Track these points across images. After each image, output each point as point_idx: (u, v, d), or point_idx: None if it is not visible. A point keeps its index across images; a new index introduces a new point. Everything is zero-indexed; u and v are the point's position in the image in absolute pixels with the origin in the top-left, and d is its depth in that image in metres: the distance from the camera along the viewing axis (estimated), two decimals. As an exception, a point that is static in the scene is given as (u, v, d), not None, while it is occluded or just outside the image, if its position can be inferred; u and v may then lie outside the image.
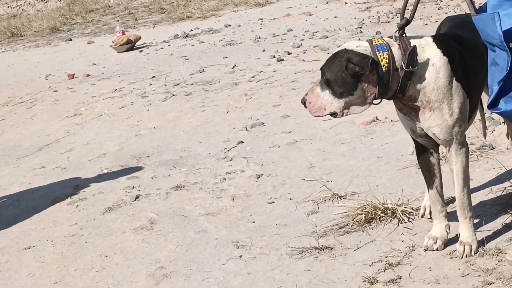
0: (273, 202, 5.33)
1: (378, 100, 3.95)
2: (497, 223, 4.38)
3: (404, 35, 3.91)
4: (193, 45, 11.82)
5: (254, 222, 5.07)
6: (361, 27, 10.75)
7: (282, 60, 9.47)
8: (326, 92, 3.89)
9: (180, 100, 8.40)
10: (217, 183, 5.84)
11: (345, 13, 12.17)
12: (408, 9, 4.01)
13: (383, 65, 3.77)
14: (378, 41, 3.86)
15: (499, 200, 4.66)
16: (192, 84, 9.02)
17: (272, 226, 4.95)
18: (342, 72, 3.80)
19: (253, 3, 14.74)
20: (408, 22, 3.92)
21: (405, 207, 4.71)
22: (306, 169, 5.83)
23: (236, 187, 5.69)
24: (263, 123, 7.11)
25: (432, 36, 4.00)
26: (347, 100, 3.85)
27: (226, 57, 10.33)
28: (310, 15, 12.55)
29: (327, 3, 13.42)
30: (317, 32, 10.97)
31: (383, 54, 3.78)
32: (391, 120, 6.51)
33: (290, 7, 13.66)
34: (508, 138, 4.80)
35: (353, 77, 3.78)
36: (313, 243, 4.54)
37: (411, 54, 3.77)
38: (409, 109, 3.96)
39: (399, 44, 3.84)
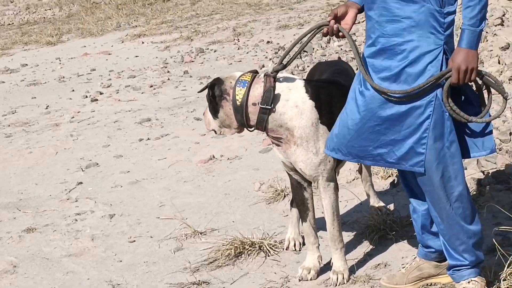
0: (134, 241, 5.47)
1: (252, 128, 4.31)
2: (359, 252, 4.79)
3: (275, 77, 4.21)
4: (-7, 85, 11.58)
5: (121, 261, 5.19)
6: (166, 67, 11.01)
7: (97, 100, 9.56)
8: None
9: (2, 142, 8.28)
10: (69, 224, 5.88)
11: (145, 52, 12.40)
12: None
13: (237, 100, 4.18)
14: (246, 77, 4.24)
15: (354, 231, 5.08)
16: (9, 126, 8.90)
17: (141, 264, 5.10)
18: (207, 95, 4.30)
19: (44, 42, 14.63)
20: (284, 67, 4.24)
21: (269, 241, 5.01)
22: (157, 207, 6.01)
23: (92, 227, 5.76)
24: (98, 164, 7.19)
25: (305, 80, 4.34)
26: (219, 122, 4.33)
27: (35, 98, 10.26)
28: (109, 54, 12.67)
29: (123, 42, 13.59)
30: (122, 71, 11.13)
31: (241, 90, 4.19)
32: (228, 158, 6.83)
33: (85, 46, 13.70)
34: (360, 173, 5.26)
35: (210, 101, 4.29)
36: (189, 278, 4.73)
37: (266, 93, 4.16)
38: (276, 141, 4.30)
39: (264, 83, 4.18)
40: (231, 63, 10.70)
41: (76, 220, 5.93)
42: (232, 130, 4.37)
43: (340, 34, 4.04)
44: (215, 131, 4.42)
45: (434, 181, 3.86)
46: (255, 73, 4.29)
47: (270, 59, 10.26)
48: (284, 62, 4.22)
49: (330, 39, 10.43)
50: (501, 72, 7.34)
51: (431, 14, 3.74)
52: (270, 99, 4.14)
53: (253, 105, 4.17)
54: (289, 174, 4.54)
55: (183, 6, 16.50)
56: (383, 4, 3.83)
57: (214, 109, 4.29)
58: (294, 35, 11.68)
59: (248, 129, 4.30)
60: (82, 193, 6.53)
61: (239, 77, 4.23)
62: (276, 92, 4.15)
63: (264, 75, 4.22)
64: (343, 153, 3.97)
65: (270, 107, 4.13)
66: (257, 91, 4.16)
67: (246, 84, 4.19)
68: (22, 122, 9.00)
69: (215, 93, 4.25)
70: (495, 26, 9.12)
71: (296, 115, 4.15)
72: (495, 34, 8.66)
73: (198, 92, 4.68)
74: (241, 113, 4.19)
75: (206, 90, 4.34)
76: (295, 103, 4.18)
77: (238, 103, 4.18)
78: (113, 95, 9.78)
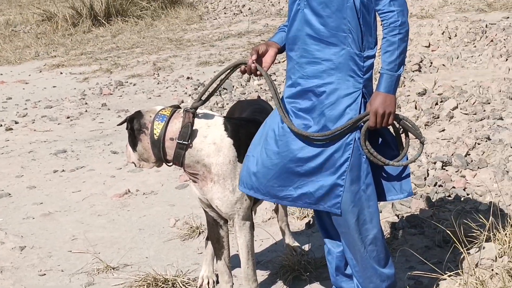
0: (44, 274, 5.36)
1: (170, 163, 4.27)
2: (272, 292, 4.79)
3: (194, 113, 4.20)
4: None
5: (30, 295, 5.07)
6: (84, 98, 10.89)
7: (11, 129, 9.39)
8: None
9: None
10: (-23, 255, 5.72)
11: (63, 83, 12.24)
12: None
13: (155, 134, 4.17)
14: (165, 111, 4.22)
15: (268, 270, 5.07)
16: None
17: (50, 299, 4.99)
18: (127, 128, 4.27)
19: (-41, 68, 14.33)
20: (203, 103, 4.23)
21: (183, 278, 4.96)
22: (69, 241, 5.90)
23: (1, 259, 5.62)
24: (10, 194, 7.04)
25: (224, 118, 4.34)
26: (137, 155, 4.30)
27: None
28: (26, 83, 12.46)
29: (41, 71, 13.40)
30: (39, 101, 10.95)
31: (159, 124, 4.17)
32: (144, 193, 6.77)
33: (2, 74, 13.45)
34: (277, 213, 5.26)
35: (131, 134, 4.25)
36: (99, 314, 4.65)
37: (184, 129, 4.14)
38: (193, 177, 4.28)
39: (182, 118, 4.16)
40: (150, 98, 10.65)
41: (-15, 252, 5.78)
42: (151, 164, 4.33)
43: (258, 73, 4.06)
44: (134, 164, 4.37)
45: (349, 224, 3.89)
46: (176, 108, 4.28)
47: (190, 95, 10.25)
48: (203, 98, 4.22)
49: (250, 77, 10.49)
50: (418, 117, 7.49)
51: (350, 58, 3.79)
52: (188, 134, 4.12)
53: (170, 140, 4.15)
54: (205, 211, 4.51)
55: (104, 38, 16.38)
56: (303, 45, 3.87)
57: (133, 142, 4.26)
58: (214, 72, 11.71)
59: (167, 163, 4.27)
60: (-8, 224, 6.38)
61: (159, 111, 4.21)
62: (194, 127, 4.14)
63: (184, 111, 4.20)
64: (262, 192, 3.97)
65: (187, 143, 4.12)
66: (175, 126, 4.14)
67: (165, 119, 4.17)
68: None
69: (134, 126, 4.22)
70: (413, 71, 9.32)
71: (214, 152, 4.14)
72: (412, 79, 8.85)
73: (118, 125, 4.64)
74: (158, 148, 4.17)
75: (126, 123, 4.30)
76: (213, 140, 4.17)
77: (155, 137, 4.16)
78: (29, 125, 9.61)
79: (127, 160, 4.44)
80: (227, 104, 9.18)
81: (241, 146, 4.21)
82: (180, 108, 4.29)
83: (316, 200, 3.87)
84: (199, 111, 4.23)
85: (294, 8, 3.93)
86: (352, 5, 3.77)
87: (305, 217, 5.78)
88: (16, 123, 9.72)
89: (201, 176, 4.20)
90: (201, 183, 4.23)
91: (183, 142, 4.11)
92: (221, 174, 4.14)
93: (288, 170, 3.88)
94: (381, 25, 3.78)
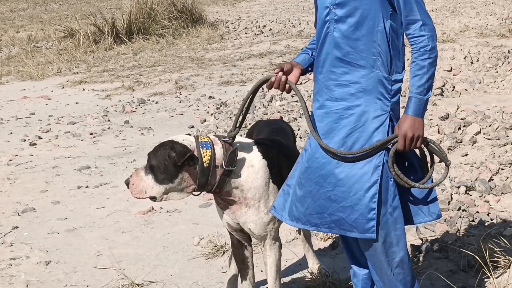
0: (70, 289, 5.41)
1: (198, 192, 4.23)
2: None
3: (232, 141, 4.23)
4: None
5: (55, 309, 5.12)
6: (107, 115, 10.98)
7: (35, 144, 9.47)
8: (149, 177, 4.12)
9: None
10: (3, 269, 5.78)
11: (85, 99, 12.34)
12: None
13: (205, 161, 4.09)
14: (204, 138, 4.19)
15: (292, 290, 5.11)
16: None
17: (75, 314, 5.03)
18: (165, 160, 4.06)
19: (-19, 82, 14.47)
20: (239, 130, 4.25)
21: (208, 296, 5.00)
22: (94, 256, 5.95)
23: (26, 273, 5.68)
24: (34, 209, 7.10)
25: (255, 140, 4.38)
26: (167, 187, 4.10)
27: (-29, 138, 10.11)
28: (49, 99, 12.57)
29: (63, 87, 13.51)
30: (62, 117, 11.04)
31: (206, 151, 4.11)
32: (167, 211, 6.81)
33: (25, 89, 13.57)
34: (300, 233, 5.29)
35: (174, 166, 4.05)
36: (125, 330, 4.69)
37: (231, 154, 4.13)
38: (226, 203, 4.29)
39: (222, 144, 4.19)
40: (172, 116, 10.71)
41: (11, 265, 5.83)
42: (182, 194, 4.18)
43: (287, 86, 4.08)
44: (154, 198, 4.15)
45: (376, 247, 3.91)
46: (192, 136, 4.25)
47: (212, 114, 10.31)
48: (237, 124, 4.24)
49: (272, 97, 10.54)
50: (441, 141, 7.51)
51: (379, 81, 3.82)
52: (235, 160, 4.13)
53: (215, 167, 4.13)
54: (230, 233, 4.53)
55: (125, 56, 16.51)
56: (332, 68, 3.90)
57: (172, 174, 4.08)
58: (236, 91, 11.78)
59: (203, 191, 4.20)
60: (17, 238, 6.43)
61: (197, 139, 4.18)
62: None
63: (221, 140, 4.20)
64: (302, 222, 3.99)
65: (234, 168, 4.13)
66: (218, 153, 4.14)
67: (209, 146, 4.13)
68: (-43, 162, 8.86)
69: (190, 160, 4.06)
70: (435, 96, 9.35)
71: (252, 175, 4.16)
72: (434, 103, 8.87)
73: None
74: (207, 176, 4.10)
75: (161, 153, 4.09)
76: (251, 163, 4.19)
77: (205, 165, 4.09)
78: (52, 140, 9.70)
79: (139, 195, 4.17)
80: (250, 124, 9.22)
81: (273, 167, 4.25)
82: (190, 135, 4.28)
83: (350, 227, 3.86)
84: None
85: (324, 31, 3.96)
86: (382, 28, 3.81)
87: (328, 238, 5.80)
88: (40, 138, 9.81)
89: (236, 202, 4.22)
90: (233, 208, 4.25)
91: (230, 168, 4.12)
92: (257, 198, 4.17)
93: (321, 196, 3.90)
94: (409, 50, 3.82)
